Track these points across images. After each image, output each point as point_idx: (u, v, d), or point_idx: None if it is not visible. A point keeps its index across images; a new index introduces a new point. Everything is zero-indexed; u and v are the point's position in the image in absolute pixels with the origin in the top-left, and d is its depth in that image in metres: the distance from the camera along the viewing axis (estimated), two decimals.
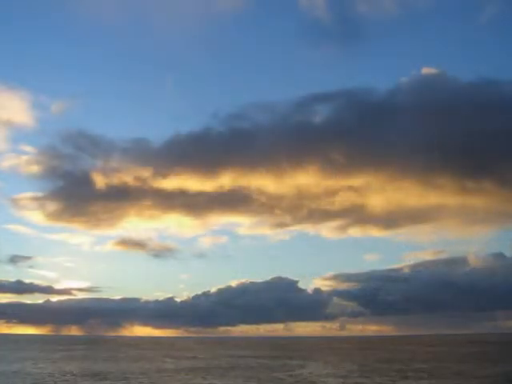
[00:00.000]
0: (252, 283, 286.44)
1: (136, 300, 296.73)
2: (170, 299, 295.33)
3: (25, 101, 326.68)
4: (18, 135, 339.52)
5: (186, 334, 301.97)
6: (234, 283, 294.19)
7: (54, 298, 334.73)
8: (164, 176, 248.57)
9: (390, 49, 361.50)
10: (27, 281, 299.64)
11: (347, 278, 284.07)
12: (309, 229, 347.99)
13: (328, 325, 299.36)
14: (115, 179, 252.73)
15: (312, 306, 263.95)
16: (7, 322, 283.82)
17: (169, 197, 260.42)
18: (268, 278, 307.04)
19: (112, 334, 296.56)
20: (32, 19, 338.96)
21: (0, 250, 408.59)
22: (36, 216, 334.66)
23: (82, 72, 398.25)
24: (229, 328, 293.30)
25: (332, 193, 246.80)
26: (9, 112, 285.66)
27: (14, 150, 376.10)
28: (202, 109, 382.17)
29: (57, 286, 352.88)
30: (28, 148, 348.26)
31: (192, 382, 40.13)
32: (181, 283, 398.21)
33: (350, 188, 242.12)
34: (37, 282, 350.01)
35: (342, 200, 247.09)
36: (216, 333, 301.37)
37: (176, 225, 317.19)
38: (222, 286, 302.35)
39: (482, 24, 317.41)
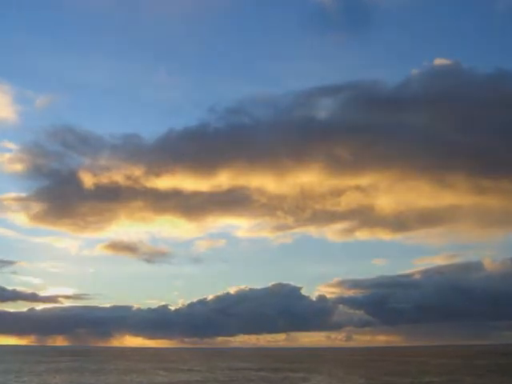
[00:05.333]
0: (252, 290, 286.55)
1: (127, 308, 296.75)
2: (164, 307, 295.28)
3: (7, 94, 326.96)
4: (0, 131, 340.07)
5: (180, 345, 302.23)
6: (232, 290, 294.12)
7: (39, 306, 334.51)
8: (157, 175, 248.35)
9: (400, 38, 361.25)
10: (10, 287, 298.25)
11: (354, 284, 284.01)
12: (312, 231, 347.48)
13: (333, 335, 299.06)
14: (104, 178, 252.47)
15: (316, 315, 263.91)
16: None
17: (162, 197, 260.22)
18: (269, 284, 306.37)
19: (101, 344, 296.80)
20: (16, 9, 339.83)
21: None
22: (19, 218, 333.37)
23: (69, 64, 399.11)
24: (227, 338, 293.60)
25: (337, 193, 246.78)
26: None
27: None
28: (199, 102, 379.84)
29: (42, 293, 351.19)
30: (11, 145, 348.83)
31: None
32: (175, 290, 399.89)
33: (357, 188, 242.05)
34: (20, 288, 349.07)
35: (349, 201, 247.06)
36: (213, 343, 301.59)
37: (170, 227, 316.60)
38: (219, 293, 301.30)
39: (499, 12, 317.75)
